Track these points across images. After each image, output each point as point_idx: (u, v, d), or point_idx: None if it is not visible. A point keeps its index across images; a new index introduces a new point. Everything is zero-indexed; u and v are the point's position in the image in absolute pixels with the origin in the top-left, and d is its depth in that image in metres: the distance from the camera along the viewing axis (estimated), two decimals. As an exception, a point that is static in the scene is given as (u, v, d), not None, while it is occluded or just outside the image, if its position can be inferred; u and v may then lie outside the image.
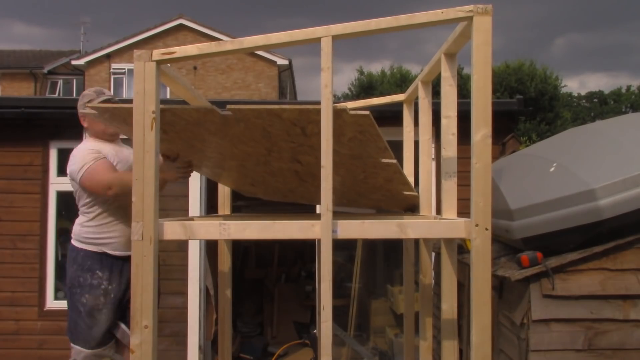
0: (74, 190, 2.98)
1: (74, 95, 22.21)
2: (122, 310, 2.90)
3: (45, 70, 23.08)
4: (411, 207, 2.94)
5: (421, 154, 2.71)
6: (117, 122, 2.49)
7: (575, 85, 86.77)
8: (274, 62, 21.24)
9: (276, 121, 2.00)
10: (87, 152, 2.86)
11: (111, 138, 3.01)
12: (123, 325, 2.90)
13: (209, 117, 2.07)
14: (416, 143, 2.80)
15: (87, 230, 2.90)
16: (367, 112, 1.85)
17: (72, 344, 2.91)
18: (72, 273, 2.91)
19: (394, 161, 2.15)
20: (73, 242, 2.96)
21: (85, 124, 3.00)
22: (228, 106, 1.94)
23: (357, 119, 1.89)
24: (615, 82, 78.04)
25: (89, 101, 2.90)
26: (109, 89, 20.66)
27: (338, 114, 1.87)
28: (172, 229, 1.97)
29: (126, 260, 2.83)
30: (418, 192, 2.74)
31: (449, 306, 2.24)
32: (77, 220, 2.98)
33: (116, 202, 2.88)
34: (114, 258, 2.90)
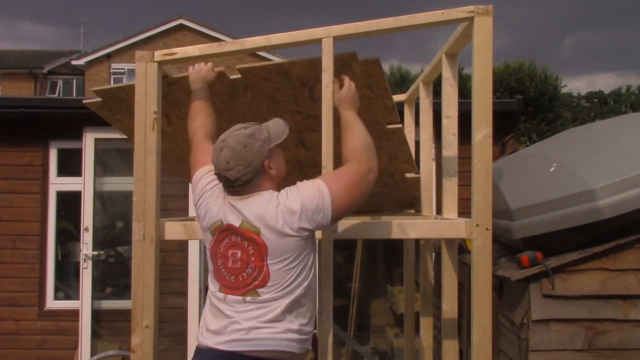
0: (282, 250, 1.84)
1: (74, 95, 22.22)
2: None
3: (45, 70, 23.08)
4: (411, 202, 2.93)
5: (422, 154, 2.72)
6: (120, 114, 2.38)
7: (583, 85, 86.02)
8: (273, 62, 21.23)
9: (285, 82, 1.98)
10: (302, 183, 1.89)
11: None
12: None
13: (216, 86, 2.03)
14: (417, 143, 2.80)
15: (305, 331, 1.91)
16: (377, 57, 1.82)
17: None
18: None
19: (400, 126, 2.13)
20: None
21: (273, 172, 1.92)
22: (237, 67, 1.93)
23: (366, 69, 1.85)
24: (624, 82, 77.30)
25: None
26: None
27: (347, 64, 1.85)
28: (173, 229, 1.97)
29: None
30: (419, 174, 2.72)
31: (449, 306, 2.24)
32: (288, 325, 1.86)
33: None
34: None
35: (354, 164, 1.85)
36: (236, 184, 1.84)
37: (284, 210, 1.80)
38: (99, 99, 2.33)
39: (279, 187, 1.89)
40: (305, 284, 1.86)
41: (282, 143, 1.89)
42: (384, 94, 1.97)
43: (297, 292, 1.85)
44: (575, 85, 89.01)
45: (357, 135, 1.87)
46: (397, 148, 2.31)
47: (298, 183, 1.87)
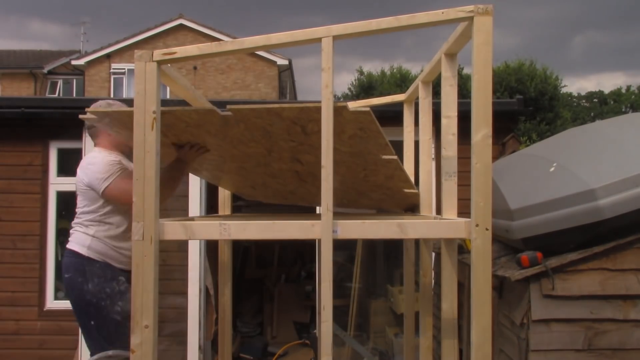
0: (82, 197, 2.88)
1: (74, 95, 22.22)
2: None
3: (45, 70, 23.07)
4: (411, 207, 2.94)
5: (421, 154, 2.71)
6: (117, 127, 2.51)
7: (591, 84, 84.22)
8: (274, 62, 21.25)
9: (276, 120, 2.01)
10: (111, 164, 2.81)
11: (126, 149, 2.97)
12: None
13: (209, 119, 2.07)
14: (416, 143, 2.80)
15: (103, 240, 2.82)
16: (368, 109, 1.86)
17: (118, 352, 2.77)
18: (94, 287, 2.77)
19: (395, 157, 2.15)
20: (84, 252, 2.81)
21: (97, 138, 2.96)
22: (228, 106, 1.95)
23: (357, 116, 1.90)
24: (634, 82, 75.69)
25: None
26: (109, 89, 20.68)
27: (338, 112, 1.88)
28: (173, 229, 1.97)
29: None
30: (418, 191, 2.74)
31: (449, 306, 2.24)
32: (87, 231, 2.85)
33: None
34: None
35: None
36: None
37: None
38: (94, 117, 2.44)
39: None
40: None
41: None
42: (376, 135, 2.02)
43: None
44: (584, 85, 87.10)
45: None
46: (392, 173, 2.35)
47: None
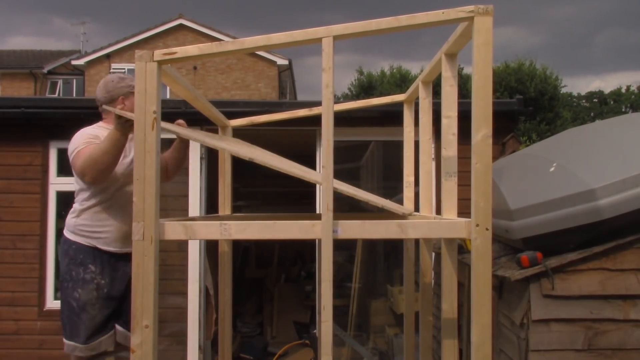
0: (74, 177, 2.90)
1: (74, 95, 22.22)
2: (115, 307, 2.84)
3: (45, 70, 23.08)
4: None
5: (421, 154, 2.71)
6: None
7: (613, 84, 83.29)
8: (274, 62, 21.27)
9: None
10: (83, 136, 2.78)
11: None
12: (119, 327, 2.84)
13: None
14: (417, 143, 2.80)
15: (81, 221, 2.82)
16: None
17: (65, 340, 2.83)
18: (65, 267, 2.82)
19: None
20: (65, 233, 2.87)
21: (120, 106, 2.82)
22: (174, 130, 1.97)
23: None
24: None
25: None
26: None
27: None
28: (173, 229, 1.97)
29: (119, 257, 2.83)
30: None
31: (449, 306, 2.24)
32: (71, 210, 2.88)
33: (114, 197, 2.81)
34: (105, 253, 2.83)
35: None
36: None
37: None
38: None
39: None
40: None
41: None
42: None
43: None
44: (601, 84, 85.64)
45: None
46: None
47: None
